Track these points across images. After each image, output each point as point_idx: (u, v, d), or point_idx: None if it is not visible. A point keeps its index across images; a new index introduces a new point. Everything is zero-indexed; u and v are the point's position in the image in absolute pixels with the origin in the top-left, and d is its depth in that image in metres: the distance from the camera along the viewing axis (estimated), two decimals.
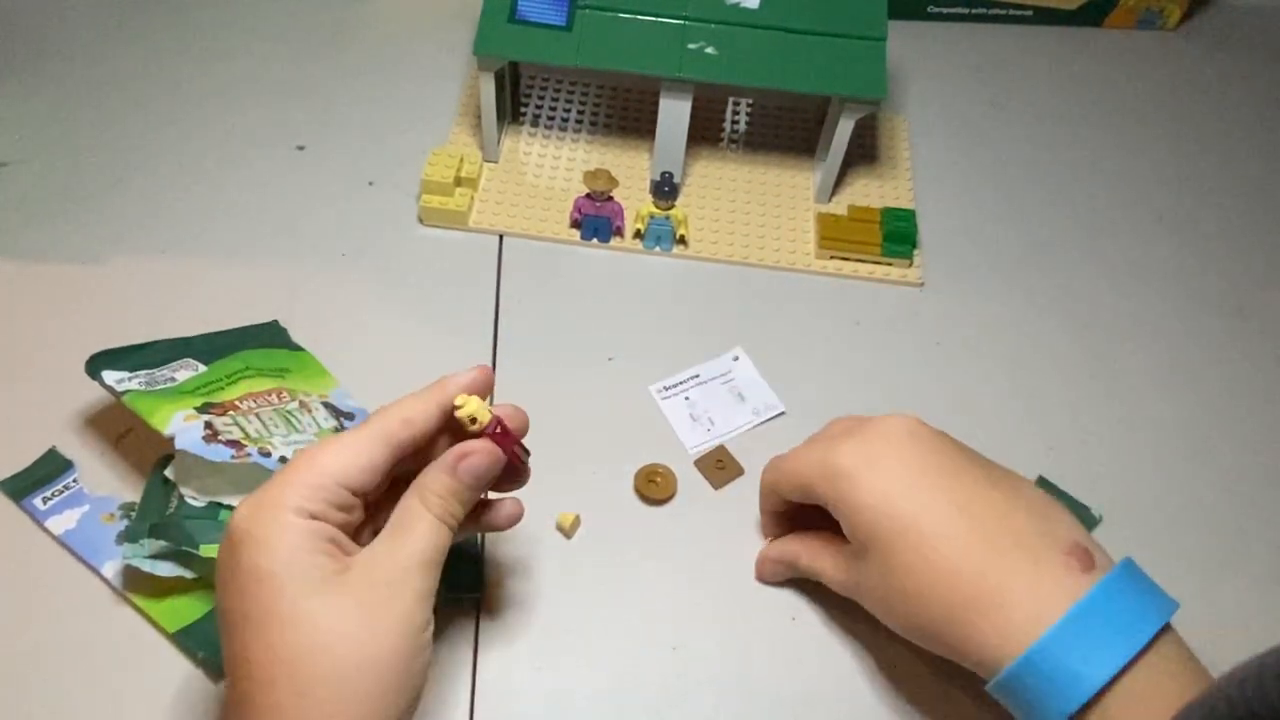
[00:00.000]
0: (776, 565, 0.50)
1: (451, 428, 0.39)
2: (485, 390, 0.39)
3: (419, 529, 0.36)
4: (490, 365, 0.40)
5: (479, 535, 0.51)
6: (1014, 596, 0.38)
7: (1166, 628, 0.38)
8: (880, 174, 0.71)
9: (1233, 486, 0.57)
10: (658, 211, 0.64)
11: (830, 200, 0.69)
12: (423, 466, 0.38)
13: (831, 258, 0.65)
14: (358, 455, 0.36)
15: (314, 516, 0.34)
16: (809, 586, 0.51)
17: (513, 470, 0.41)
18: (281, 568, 0.33)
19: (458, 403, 0.38)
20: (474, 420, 0.38)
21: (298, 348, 0.57)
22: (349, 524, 0.36)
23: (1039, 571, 0.38)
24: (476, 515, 0.42)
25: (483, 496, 0.41)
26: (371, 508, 0.39)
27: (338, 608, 0.33)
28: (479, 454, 0.38)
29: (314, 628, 0.32)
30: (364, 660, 0.33)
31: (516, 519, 0.43)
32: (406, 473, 0.38)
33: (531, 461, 0.53)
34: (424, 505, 0.36)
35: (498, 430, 0.39)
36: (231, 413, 0.48)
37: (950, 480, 0.40)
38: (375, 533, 0.38)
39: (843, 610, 0.50)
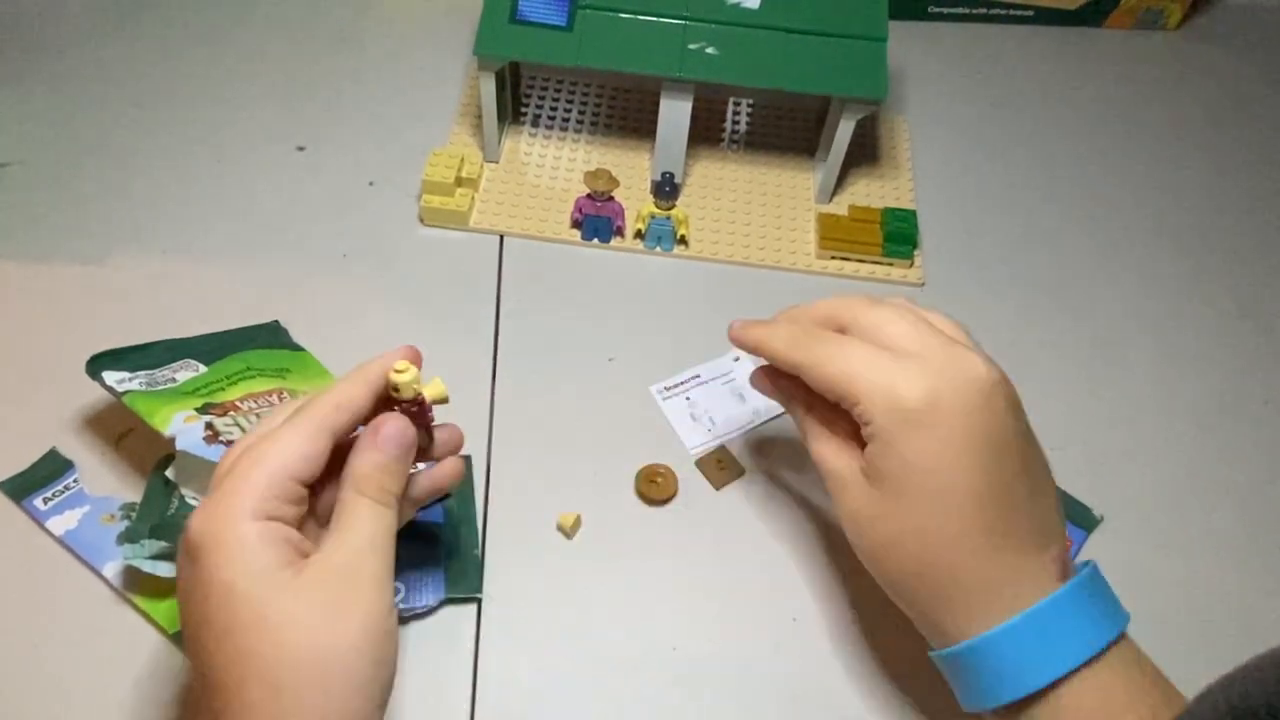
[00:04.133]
0: (775, 394, 0.47)
1: (379, 411, 0.40)
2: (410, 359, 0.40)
3: (359, 516, 0.36)
4: (416, 348, 0.40)
5: (479, 537, 0.51)
6: (993, 587, 0.39)
7: (1121, 636, 0.39)
8: (881, 174, 0.71)
9: (1233, 486, 0.57)
10: (658, 211, 0.64)
11: (831, 200, 0.69)
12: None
13: (832, 258, 0.65)
14: (302, 446, 0.36)
15: (269, 518, 0.35)
16: (810, 588, 0.51)
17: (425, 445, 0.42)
18: (241, 576, 0.33)
19: (399, 367, 0.38)
20: (397, 389, 0.38)
21: (298, 348, 0.57)
22: (299, 517, 0.37)
23: (1021, 571, 0.39)
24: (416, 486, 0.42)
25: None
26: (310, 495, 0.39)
27: (299, 606, 0.33)
28: (390, 421, 0.38)
29: (278, 628, 0.33)
30: (331, 652, 0.33)
31: (458, 475, 0.43)
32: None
33: (532, 462, 0.53)
34: (358, 492, 0.37)
35: (416, 407, 0.39)
36: (232, 413, 0.48)
37: (995, 467, 0.39)
38: (317, 521, 0.39)
39: (844, 612, 0.50)
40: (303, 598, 0.33)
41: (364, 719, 0.34)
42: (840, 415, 0.43)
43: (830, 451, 0.43)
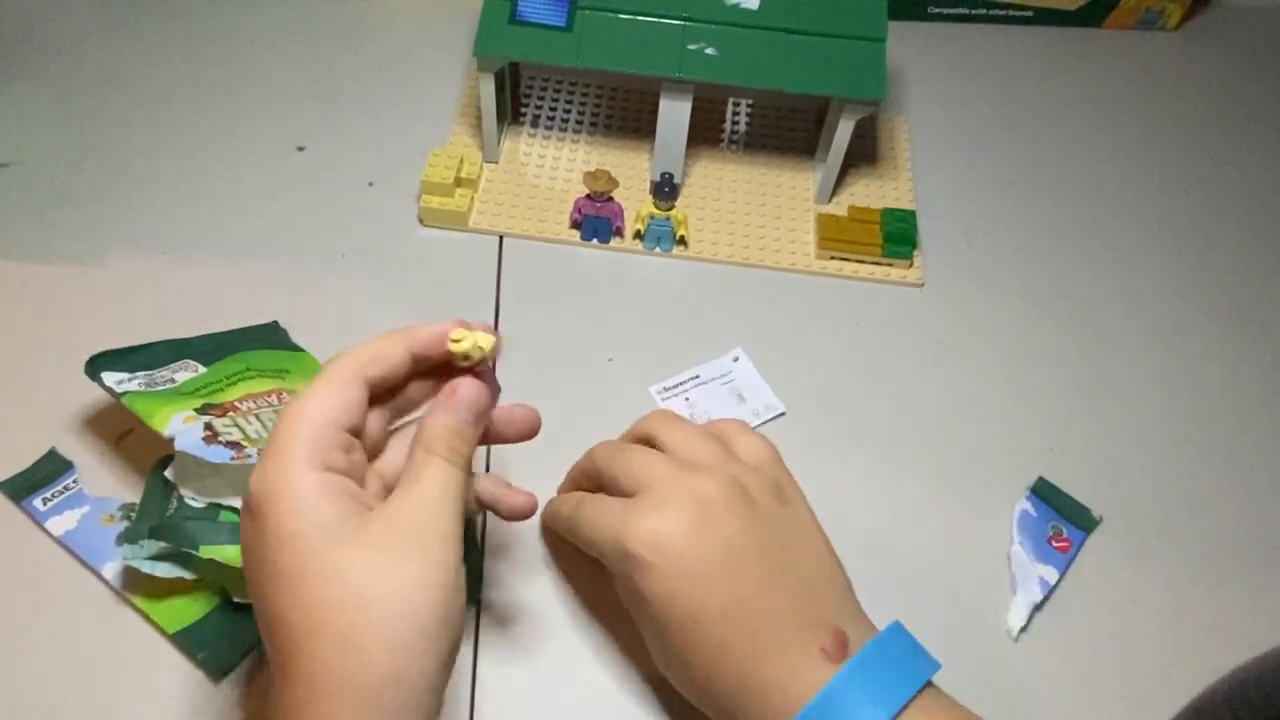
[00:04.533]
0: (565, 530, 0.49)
1: (420, 375, 0.40)
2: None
3: (429, 473, 0.36)
4: (463, 319, 0.39)
5: (479, 537, 0.51)
6: (770, 690, 0.39)
7: (924, 688, 0.39)
8: (880, 174, 0.71)
9: (1232, 486, 0.57)
10: (658, 212, 0.64)
11: (830, 201, 0.69)
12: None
13: (831, 258, 0.65)
14: (341, 393, 0.36)
15: (326, 468, 0.35)
16: None
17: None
18: (306, 525, 0.33)
19: (455, 336, 0.38)
20: (467, 357, 0.38)
21: (298, 348, 0.57)
22: (356, 467, 0.37)
23: (793, 668, 0.39)
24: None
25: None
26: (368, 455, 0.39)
27: (366, 559, 0.33)
28: (466, 384, 0.38)
29: (346, 581, 0.33)
30: (398, 607, 0.33)
31: (535, 424, 0.43)
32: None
33: (532, 463, 0.53)
34: (428, 450, 0.37)
35: (481, 367, 0.39)
36: (231, 414, 0.48)
37: (733, 575, 0.41)
38: (385, 487, 0.39)
39: None
40: (369, 548, 0.33)
41: (428, 676, 0.33)
42: None
43: (619, 592, 0.45)
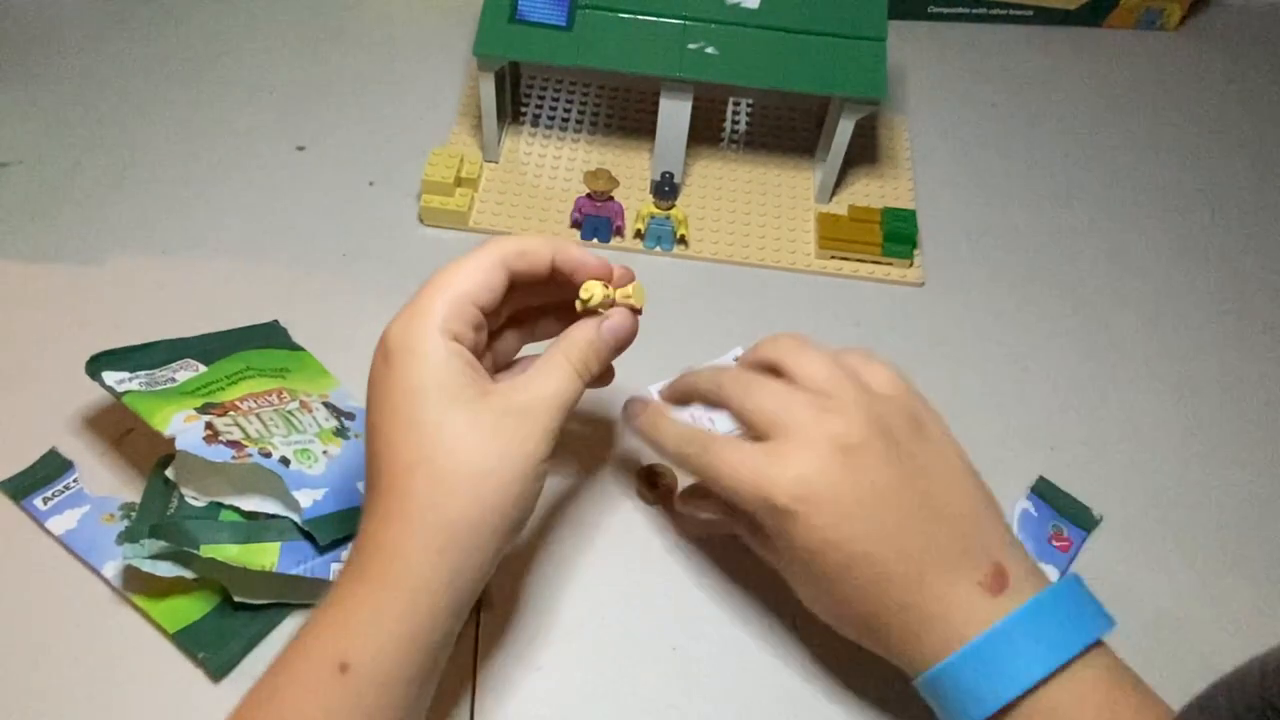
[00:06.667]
0: (701, 519, 0.50)
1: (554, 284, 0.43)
2: (602, 278, 0.43)
3: (558, 374, 0.40)
4: (610, 268, 0.43)
5: None
6: (932, 623, 0.40)
7: (1094, 645, 0.39)
8: (880, 174, 0.71)
9: (1233, 486, 0.57)
10: (658, 211, 0.64)
11: (830, 200, 0.69)
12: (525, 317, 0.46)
13: (832, 258, 0.65)
14: (485, 275, 0.40)
15: (455, 337, 0.38)
16: None
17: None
18: (431, 381, 0.37)
19: (583, 296, 0.42)
20: (590, 307, 0.42)
21: (298, 348, 0.57)
22: (478, 344, 0.40)
23: (952, 599, 0.40)
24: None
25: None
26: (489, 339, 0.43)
27: (475, 422, 0.37)
28: (619, 316, 0.43)
29: (454, 434, 0.37)
30: (491, 470, 0.37)
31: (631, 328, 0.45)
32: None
33: None
34: (565, 356, 0.41)
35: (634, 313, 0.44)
36: (232, 413, 0.48)
37: (884, 518, 0.40)
38: (495, 365, 0.45)
39: None
40: (480, 418, 0.37)
41: (498, 533, 0.38)
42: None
43: (759, 547, 0.46)
